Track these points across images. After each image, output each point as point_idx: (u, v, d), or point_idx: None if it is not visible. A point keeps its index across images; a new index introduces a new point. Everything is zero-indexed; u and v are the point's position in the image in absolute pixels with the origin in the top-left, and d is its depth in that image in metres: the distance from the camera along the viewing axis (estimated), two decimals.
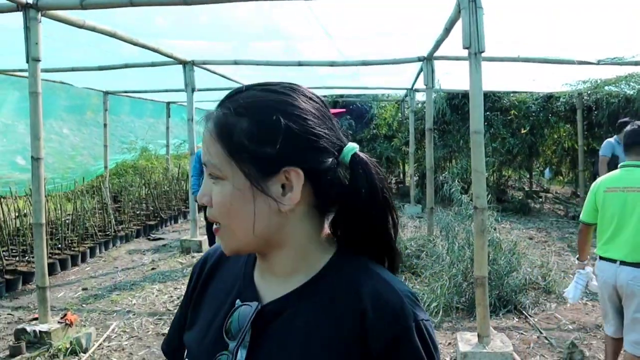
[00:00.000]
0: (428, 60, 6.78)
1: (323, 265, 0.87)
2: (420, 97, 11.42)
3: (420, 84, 8.47)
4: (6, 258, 6.28)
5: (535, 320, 4.75)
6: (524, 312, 4.90)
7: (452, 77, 8.28)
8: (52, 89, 9.60)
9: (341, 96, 13.78)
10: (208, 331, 0.91)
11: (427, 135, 7.20)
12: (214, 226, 0.86)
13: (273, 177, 0.80)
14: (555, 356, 4.02)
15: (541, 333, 4.45)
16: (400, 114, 13.72)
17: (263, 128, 0.79)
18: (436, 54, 6.45)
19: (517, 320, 4.77)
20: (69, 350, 4.09)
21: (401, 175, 15.87)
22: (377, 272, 0.86)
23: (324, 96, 13.75)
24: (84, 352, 4.16)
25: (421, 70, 7.30)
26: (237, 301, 0.88)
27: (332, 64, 7.29)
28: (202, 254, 1.05)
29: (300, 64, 7.31)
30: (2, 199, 7.28)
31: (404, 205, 11.10)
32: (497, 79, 8.43)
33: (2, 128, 9.20)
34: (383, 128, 13.61)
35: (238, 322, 0.84)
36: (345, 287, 0.84)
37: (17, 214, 7.59)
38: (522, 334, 4.47)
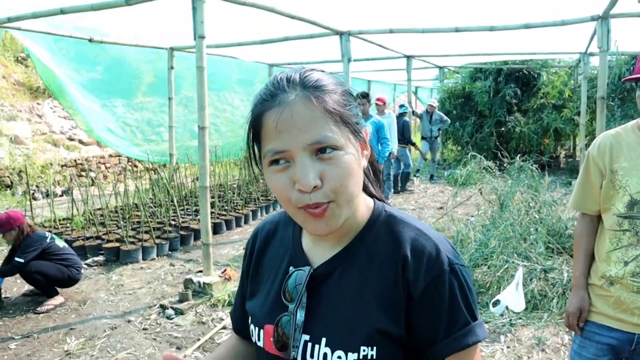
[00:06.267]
0: (603, 19, 6.03)
1: (366, 221, 0.95)
2: (596, 61, 10.24)
3: (594, 47, 7.60)
4: (182, 216, 7.08)
5: None
6: None
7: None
8: (226, 64, 10.42)
9: (506, 63, 12.86)
10: (267, 297, 1.00)
11: (598, 104, 6.46)
12: (317, 209, 0.83)
13: (360, 139, 0.91)
14: None
15: None
16: (572, 81, 12.49)
17: (350, 98, 0.91)
18: (613, 11, 5.72)
19: None
20: (226, 302, 4.53)
21: (571, 149, 14.54)
22: (406, 221, 0.95)
23: (484, 63, 12.97)
24: None
25: (595, 31, 6.54)
26: (291, 268, 0.96)
27: (492, 28, 6.84)
28: None
29: (457, 30, 6.99)
30: (179, 165, 8.20)
31: (572, 182, 10.17)
32: None
33: (184, 100, 10.23)
34: (552, 97, 12.50)
35: (295, 286, 0.93)
36: (386, 239, 0.93)
37: (193, 178, 8.51)
38: None
